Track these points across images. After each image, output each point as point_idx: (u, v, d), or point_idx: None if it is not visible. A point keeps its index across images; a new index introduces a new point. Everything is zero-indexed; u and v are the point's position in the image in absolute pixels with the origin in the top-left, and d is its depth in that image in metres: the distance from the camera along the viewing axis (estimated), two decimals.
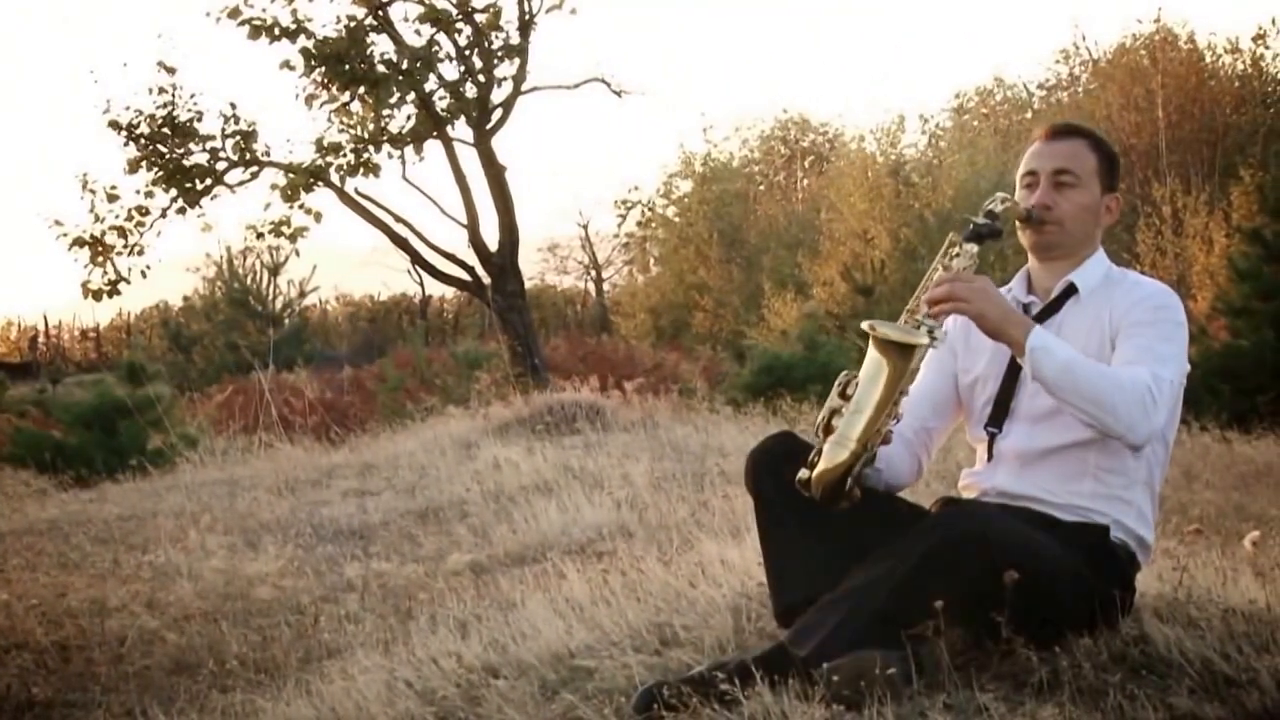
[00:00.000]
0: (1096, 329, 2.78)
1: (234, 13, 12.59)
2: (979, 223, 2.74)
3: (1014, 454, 2.83)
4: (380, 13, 12.94)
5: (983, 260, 2.75)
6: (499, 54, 13.32)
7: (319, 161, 13.08)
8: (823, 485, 2.64)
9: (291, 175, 13.11)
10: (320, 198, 13.85)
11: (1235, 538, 4.40)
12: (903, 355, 2.60)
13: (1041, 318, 2.81)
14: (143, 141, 13.00)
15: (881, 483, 2.85)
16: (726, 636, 2.99)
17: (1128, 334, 2.73)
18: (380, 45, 13.00)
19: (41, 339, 32.25)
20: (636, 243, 37.09)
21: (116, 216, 13.28)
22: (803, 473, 2.67)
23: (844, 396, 2.67)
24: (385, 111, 12.99)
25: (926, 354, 2.66)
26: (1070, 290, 2.86)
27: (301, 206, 13.35)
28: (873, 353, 2.64)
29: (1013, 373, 2.86)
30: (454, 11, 13.12)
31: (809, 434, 2.80)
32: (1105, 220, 2.91)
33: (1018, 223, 2.86)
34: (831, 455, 2.64)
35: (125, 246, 13.31)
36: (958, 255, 2.73)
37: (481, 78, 13.35)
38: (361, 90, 12.80)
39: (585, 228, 37.99)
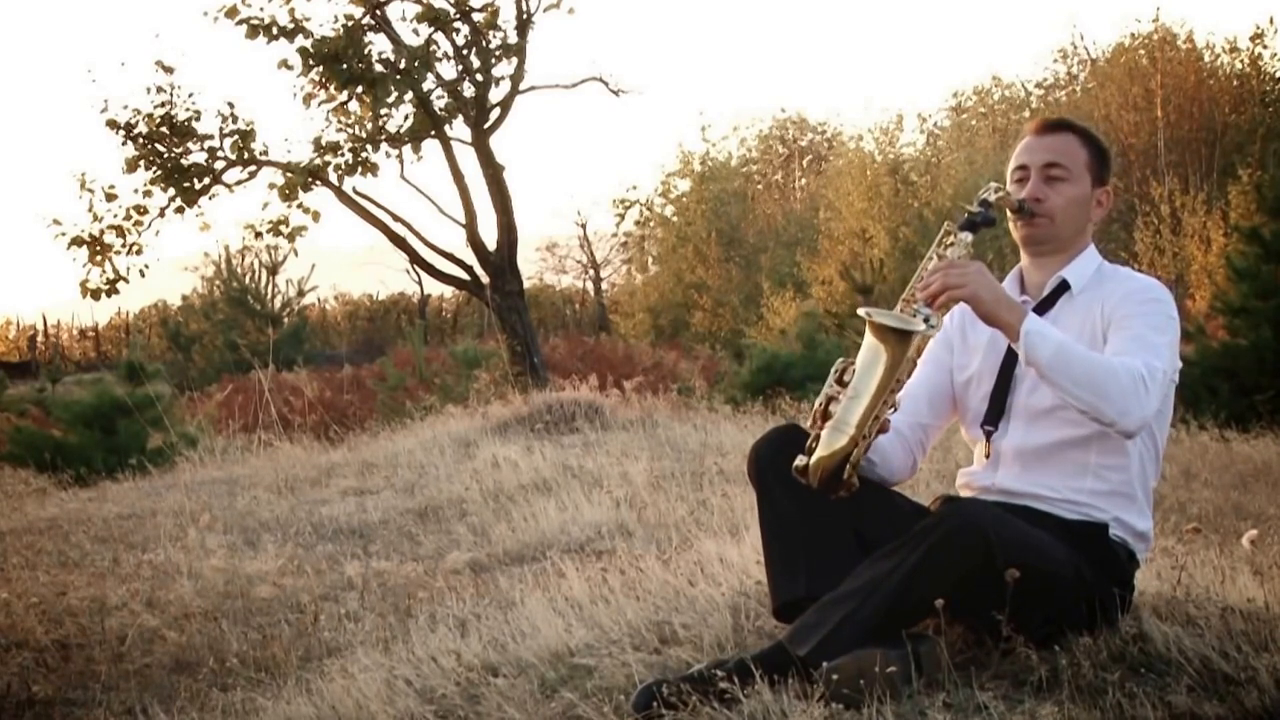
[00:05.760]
0: (1089, 324, 2.79)
1: (231, 12, 12.58)
2: (973, 211, 2.75)
3: (1013, 452, 2.83)
4: (378, 12, 12.94)
5: (979, 261, 2.76)
6: (497, 53, 13.31)
7: (317, 161, 13.07)
8: (821, 472, 2.63)
9: (289, 174, 13.10)
10: (318, 197, 13.85)
11: (1233, 536, 4.40)
12: (900, 342, 2.59)
13: (1035, 314, 2.82)
14: (141, 141, 12.98)
15: (875, 476, 2.84)
16: (725, 635, 2.99)
17: (1119, 325, 2.73)
18: (378, 44, 13.00)
19: (40, 338, 32.23)
20: (635, 242, 37.12)
21: (115, 216, 13.27)
22: (800, 460, 2.66)
23: (841, 383, 2.67)
24: (383, 111, 12.98)
25: (924, 342, 2.66)
26: (1063, 287, 2.86)
27: (300, 206, 13.35)
28: (870, 339, 2.64)
29: (1008, 370, 2.86)
30: (452, 11, 13.11)
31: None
32: (1096, 214, 2.91)
33: (1009, 215, 2.87)
34: (830, 442, 2.63)
35: (124, 246, 13.30)
36: (953, 244, 2.73)
37: (479, 77, 13.34)
38: (359, 89, 12.79)
39: (583, 227, 38.06)
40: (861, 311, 2.65)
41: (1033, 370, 2.66)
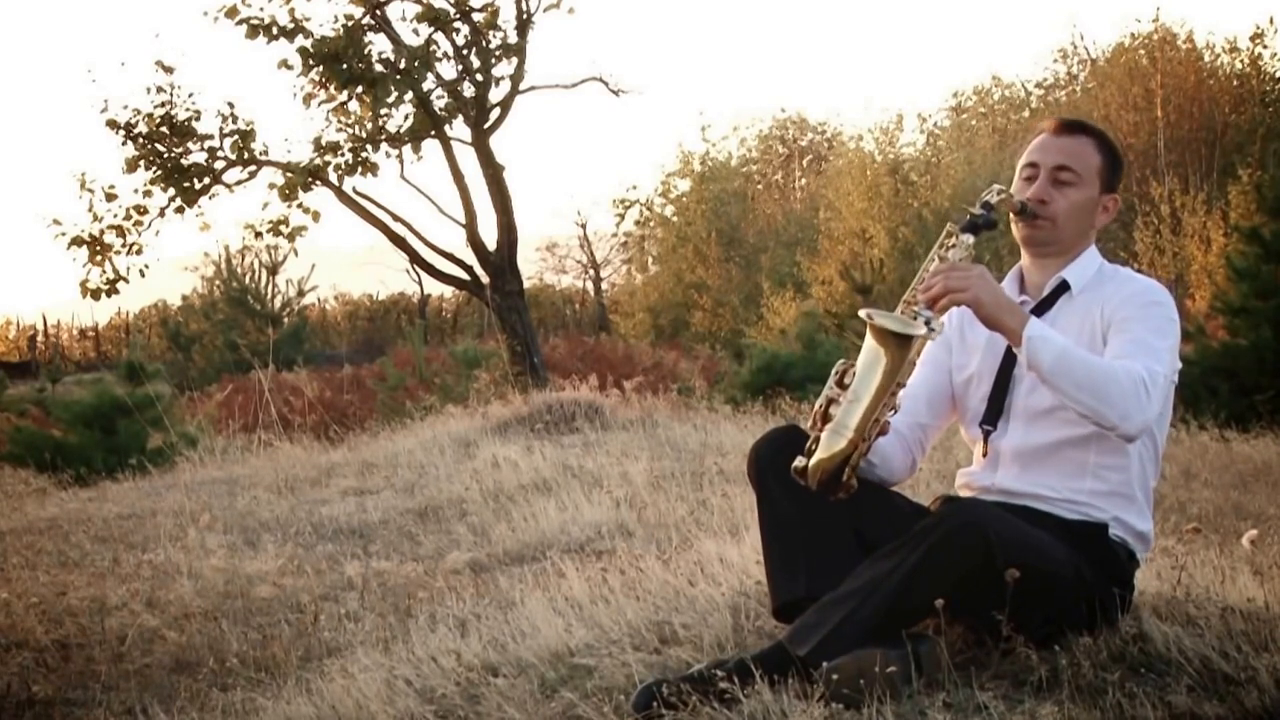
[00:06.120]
0: (1088, 325, 2.78)
1: (231, 12, 12.58)
2: (975, 213, 2.74)
3: (1012, 453, 2.83)
4: (378, 12, 12.94)
5: (979, 262, 2.75)
6: (497, 53, 13.31)
7: (317, 161, 13.07)
8: (820, 474, 2.63)
9: (289, 174, 13.10)
10: (318, 197, 13.87)
11: (1233, 536, 4.40)
12: (900, 345, 2.59)
13: (1034, 315, 2.81)
14: (141, 141, 12.99)
15: (874, 477, 2.84)
16: (725, 635, 3.00)
17: (1120, 328, 2.73)
18: (378, 44, 13.01)
19: (40, 338, 32.23)
20: (635, 242, 37.12)
21: (115, 216, 13.28)
22: (799, 461, 2.66)
23: (841, 385, 2.67)
24: (383, 111, 12.99)
25: (924, 345, 2.65)
26: (1063, 287, 2.85)
27: (300, 206, 13.36)
28: (870, 342, 2.63)
29: (1006, 370, 2.85)
30: (452, 11, 13.11)
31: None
32: (1101, 220, 2.90)
33: (1011, 215, 2.86)
34: (829, 444, 2.63)
35: (124, 246, 13.31)
36: (954, 246, 2.73)
37: (479, 77, 13.35)
38: (359, 89, 12.79)
39: (583, 227, 38.06)
40: (862, 313, 2.64)
41: (1032, 371, 2.65)
